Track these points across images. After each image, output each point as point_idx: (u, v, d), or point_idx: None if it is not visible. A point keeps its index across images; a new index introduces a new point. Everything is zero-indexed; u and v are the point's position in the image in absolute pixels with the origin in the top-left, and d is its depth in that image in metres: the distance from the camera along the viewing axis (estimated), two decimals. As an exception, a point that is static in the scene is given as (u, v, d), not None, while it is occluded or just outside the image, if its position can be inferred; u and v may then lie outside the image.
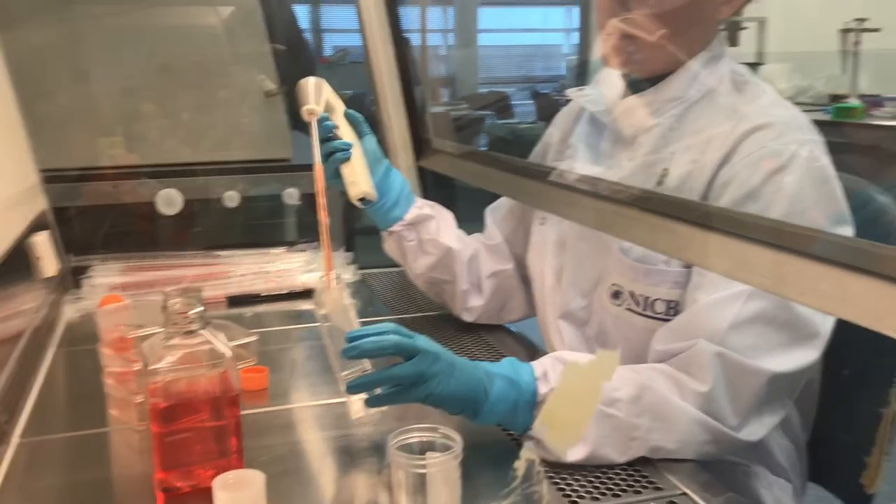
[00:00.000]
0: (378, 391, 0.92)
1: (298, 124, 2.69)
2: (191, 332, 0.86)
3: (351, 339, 0.91)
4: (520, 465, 0.48)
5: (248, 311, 1.55)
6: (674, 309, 1.06)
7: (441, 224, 1.38)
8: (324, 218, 1.08)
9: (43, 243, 1.50)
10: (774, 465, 1.15)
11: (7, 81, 1.60)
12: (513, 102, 6.97)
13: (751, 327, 0.96)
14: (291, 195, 2.18)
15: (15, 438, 1.03)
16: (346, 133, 1.29)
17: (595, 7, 1.13)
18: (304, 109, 1.19)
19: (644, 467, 0.93)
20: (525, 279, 1.38)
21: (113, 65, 2.19)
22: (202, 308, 0.87)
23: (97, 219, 2.00)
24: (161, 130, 2.17)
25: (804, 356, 0.98)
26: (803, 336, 0.98)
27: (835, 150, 1.04)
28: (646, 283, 1.08)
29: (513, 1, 8.35)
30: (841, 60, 3.85)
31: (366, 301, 1.62)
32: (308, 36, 7.19)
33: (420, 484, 0.71)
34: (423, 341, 0.93)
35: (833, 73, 3.94)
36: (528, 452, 0.49)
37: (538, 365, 0.98)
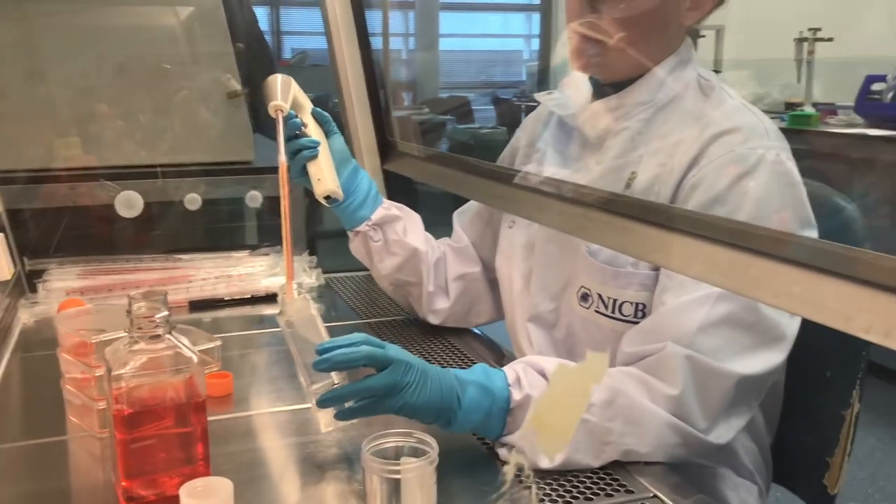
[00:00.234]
0: (349, 403, 0.90)
1: (261, 126, 2.67)
2: (156, 337, 0.84)
3: (321, 352, 0.90)
4: (508, 470, 0.48)
5: (209, 315, 1.53)
6: (641, 311, 1.07)
7: (408, 225, 1.38)
8: (286, 223, 1.10)
9: (-3, 246, 1.46)
10: (740, 467, 1.16)
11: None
12: (473, 107, 6.99)
13: (719, 330, 0.97)
14: (254, 198, 2.16)
15: (-31, 448, 1.00)
16: (313, 131, 1.28)
17: (564, 11, 1.13)
18: (272, 105, 1.19)
19: (615, 470, 0.93)
20: (493, 282, 1.37)
21: (69, 65, 2.15)
22: (167, 312, 0.85)
23: (53, 221, 1.95)
24: (120, 132, 2.13)
25: (771, 358, 0.99)
26: (770, 338, 0.99)
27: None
28: (614, 286, 1.08)
29: (473, 6, 8.37)
30: (796, 69, 3.93)
31: (330, 305, 1.60)
32: (267, 38, 7.12)
33: (395, 490, 0.70)
34: (394, 351, 0.92)
35: (788, 81, 4.01)
36: (516, 457, 0.48)
37: (510, 371, 0.97)
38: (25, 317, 1.47)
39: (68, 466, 0.99)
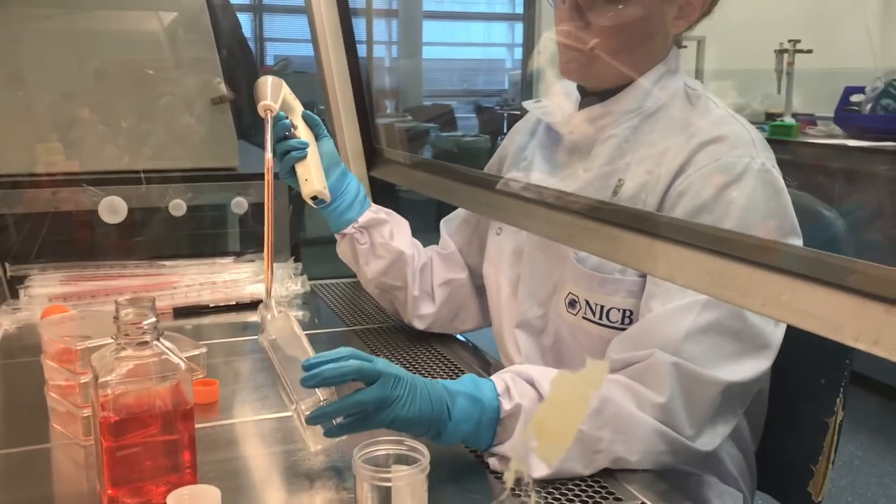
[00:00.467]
0: (338, 420, 0.89)
1: (245, 133, 2.66)
2: (143, 344, 0.84)
3: (308, 367, 0.89)
4: (509, 477, 0.48)
5: (193, 322, 1.52)
6: (629, 318, 1.07)
7: (395, 229, 1.39)
8: (269, 228, 1.12)
9: (-22, 251, 1.44)
10: (725, 474, 1.17)
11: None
12: (456, 116, 7.00)
13: (705, 337, 0.97)
14: (239, 204, 2.14)
15: (-50, 456, 0.99)
16: (303, 133, 1.30)
17: (553, 20, 1.14)
18: (261, 105, 1.20)
19: (603, 478, 0.93)
20: (479, 289, 1.37)
21: (52, 69, 2.13)
22: (155, 319, 0.84)
23: (35, 227, 1.93)
24: (103, 137, 2.11)
25: (756, 365, 1.00)
26: (756, 346, 1.00)
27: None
28: (601, 292, 1.09)
29: (457, 15, 8.40)
30: (776, 80, 3.97)
31: (315, 312, 1.60)
32: (251, 45, 7.10)
33: (385, 498, 0.70)
34: (383, 364, 0.91)
35: (768, 92, 4.06)
36: (516, 464, 0.48)
37: (498, 380, 0.97)
38: (7, 323, 1.46)
39: (52, 474, 0.98)
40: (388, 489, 0.70)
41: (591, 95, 1.17)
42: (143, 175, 2.03)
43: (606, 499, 0.89)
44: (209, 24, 2.29)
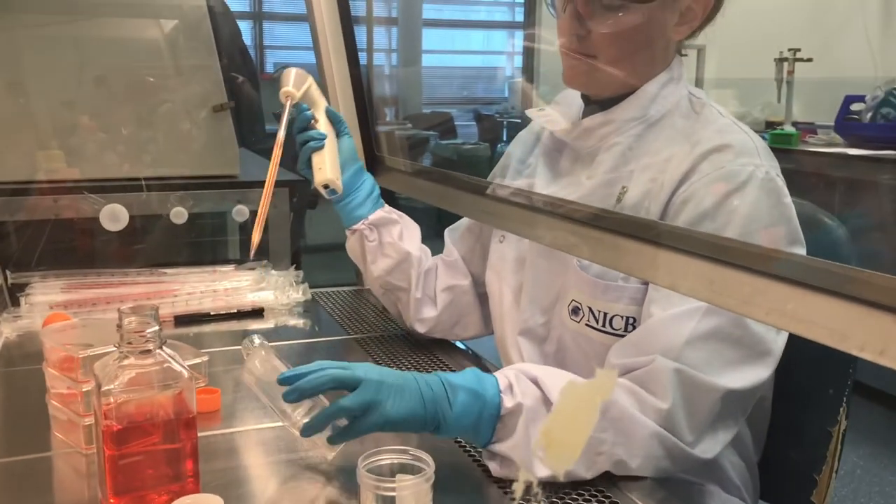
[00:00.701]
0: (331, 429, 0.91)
1: (246, 140, 2.66)
2: (146, 352, 0.83)
3: (284, 381, 0.92)
4: (518, 487, 0.48)
5: (194, 330, 1.51)
6: (632, 325, 1.07)
7: (405, 231, 1.40)
8: (265, 201, 1.17)
9: (-21, 259, 1.44)
10: (728, 483, 1.16)
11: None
12: (456, 123, 7.01)
13: (706, 344, 0.97)
14: (240, 212, 2.14)
15: (-50, 464, 0.98)
16: (324, 128, 1.34)
17: (556, 27, 1.14)
18: (282, 91, 1.26)
19: (607, 487, 0.93)
20: (482, 297, 1.37)
21: (53, 77, 2.13)
22: (158, 327, 0.84)
23: (36, 234, 1.93)
24: (104, 144, 2.11)
25: (757, 373, 1.00)
26: (756, 353, 0.99)
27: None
28: (604, 300, 1.09)
29: (456, 23, 8.41)
30: (776, 88, 3.98)
31: (316, 320, 1.59)
32: (251, 52, 7.11)
33: (390, 507, 0.70)
34: (362, 370, 0.92)
35: (768, 100, 4.06)
36: (525, 474, 0.48)
37: (502, 377, 0.97)
38: (8, 331, 1.45)
39: (53, 483, 0.97)
40: (392, 498, 0.69)
41: (594, 104, 1.17)
42: (144, 183, 2.04)
43: (609, 508, 0.89)
44: (210, 32, 2.30)
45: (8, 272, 1.62)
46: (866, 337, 0.64)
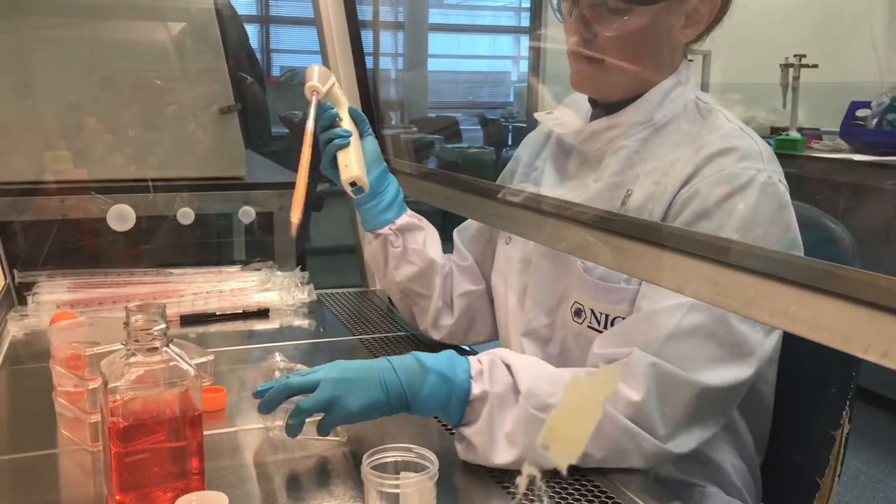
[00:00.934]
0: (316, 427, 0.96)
1: (252, 143, 2.67)
2: (153, 350, 0.84)
3: (256, 395, 0.98)
4: (521, 481, 0.48)
5: (199, 330, 1.52)
6: None
7: (428, 237, 1.39)
8: (301, 188, 1.13)
9: (-13, 257, 1.45)
10: (729, 486, 1.16)
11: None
12: (461, 127, 7.02)
13: (688, 339, 0.98)
14: (247, 213, 2.15)
15: (-43, 460, 0.99)
16: (348, 126, 1.32)
17: (563, 31, 1.14)
18: (308, 86, 1.24)
19: (609, 489, 0.93)
20: (493, 300, 1.37)
21: (61, 79, 2.14)
22: (165, 325, 0.85)
23: (43, 234, 1.94)
24: (112, 146, 2.13)
25: (737, 373, 0.99)
26: (739, 353, 0.99)
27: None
28: (606, 302, 1.09)
29: (462, 28, 8.43)
30: (782, 94, 3.98)
31: (321, 321, 1.60)
32: (257, 55, 7.13)
33: (394, 504, 0.70)
34: (324, 371, 0.97)
35: (773, 106, 4.06)
36: (528, 468, 0.49)
37: (475, 362, 0.98)
38: (15, 329, 1.46)
39: (59, 480, 0.98)
40: (397, 496, 0.70)
41: (601, 107, 1.17)
42: (150, 184, 2.05)
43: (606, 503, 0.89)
44: (218, 35, 2.31)
45: (15, 271, 1.63)
46: (870, 339, 0.64)
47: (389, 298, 1.61)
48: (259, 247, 2.28)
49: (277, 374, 1.08)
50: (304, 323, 1.58)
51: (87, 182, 2.00)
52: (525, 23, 8.36)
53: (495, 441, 0.94)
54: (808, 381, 1.20)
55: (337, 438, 1.01)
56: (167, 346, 0.85)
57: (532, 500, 0.89)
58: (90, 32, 2.23)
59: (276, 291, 1.66)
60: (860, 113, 3.67)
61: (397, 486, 0.69)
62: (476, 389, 0.96)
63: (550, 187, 1.22)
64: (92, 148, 2.11)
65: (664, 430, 0.96)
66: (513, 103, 7.91)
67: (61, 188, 2.00)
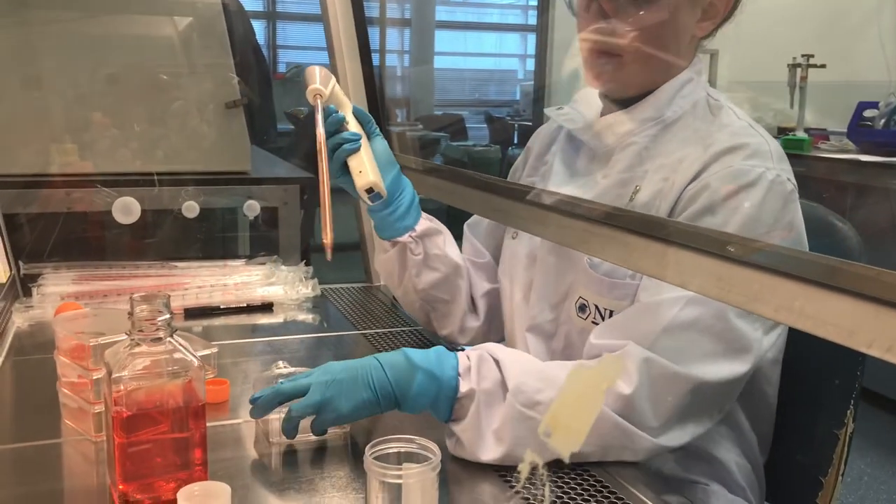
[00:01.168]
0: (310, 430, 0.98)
1: (257, 138, 2.67)
2: (157, 340, 0.84)
3: (253, 401, 0.99)
4: (523, 468, 0.48)
5: (203, 323, 1.52)
6: None
7: (447, 239, 1.34)
8: (325, 201, 1.07)
9: (-7, 249, 1.46)
10: (733, 484, 1.16)
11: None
12: (466, 125, 7.01)
13: (684, 332, 0.97)
14: (251, 207, 2.16)
15: (-39, 449, 0.99)
16: (354, 129, 1.24)
17: (578, 26, 1.13)
18: (310, 89, 1.16)
19: (611, 484, 0.93)
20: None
21: (68, 73, 2.15)
22: (169, 315, 0.85)
23: (48, 226, 1.95)
24: (118, 140, 2.13)
25: (732, 368, 0.99)
26: (735, 349, 0.99)
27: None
28: (610, 297, 1.09)
29: (469, 25, 8.43)
30: (789, 94, 3.97)
31: (325, 316, 1.60)
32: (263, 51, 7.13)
33: (396, 495, 0.70)
34: (315, 375, 0.98)
35: (781, 106, 4.05)
36: (531, 456, 0.49)
37: (463, 359, 0.99)
38: (19, 320, 1.47)
39: (62, 469, 0.98)
40: (399, 486, 0.70)
41: (613, 103, 1.17)
42: (156, 177, 2.05)
43: (608, 497, 0.89)
44: (225, 30, 2.32)
45: (21, 262, 1.64)
46: (874, 334, 0.64)
47: (394, 298, 1.59)
48: (263, 241, 2.29)
49: (281, 381, 1.08)
50: (308, 317, 1.59)
51: (92, 175, 2.01)
52: (532, 21, 8.35)
53: (483, 438, 0.95)
54: (812, 381, 1.19)
55: (339, 430, 1.02)
56: (171, 336, 0.85)
57: (534, 493, 0.89)
58: (97, 27, 2.23)
59: (281, 286, 1.66)
60: (868, 113, 3.66)
61: (399, 477, 0.70)
62: (463, 387, 0.96)
63: (559, 183, 1.21)
64: (98, 141, 2.11)
65: (656, 423, 0.96)
66: (519, 101, 7.90)
67: (67, 181, 2.00)
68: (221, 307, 1.57)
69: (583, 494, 0.90)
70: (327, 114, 1.20)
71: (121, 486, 0.84)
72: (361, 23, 1.86)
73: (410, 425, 1.00)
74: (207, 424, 0.88)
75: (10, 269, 1.58)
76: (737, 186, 1.01)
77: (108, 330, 1.02)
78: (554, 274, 1.19)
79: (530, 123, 6.45)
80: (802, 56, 3.89)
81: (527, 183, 1.33)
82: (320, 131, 1.11)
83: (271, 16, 7.60)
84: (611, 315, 1.09)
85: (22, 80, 2.12)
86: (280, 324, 1.55)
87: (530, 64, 8.16)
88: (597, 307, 1.10)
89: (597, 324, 1.10)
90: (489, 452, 0.94)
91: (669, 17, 1.07)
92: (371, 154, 1.22)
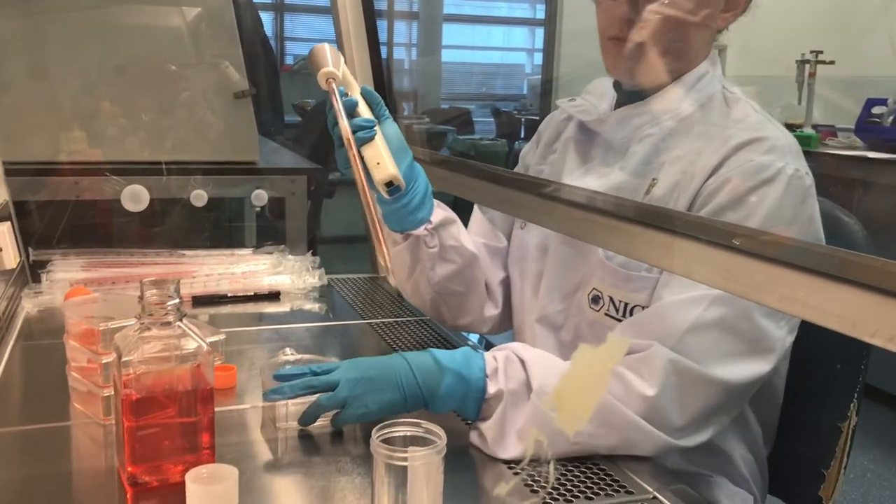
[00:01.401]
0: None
1: (265, 129, 2.68)
2: (167, 324, 0.85)
3: (279, 377, 1.00)
4: (528, 445, 0.48)
5: (211, 311, 1.53)
6: None
7: (460, 227, 1.28)
8: (373, 210, 1.01)
9: (3, 234, 1.47)
10: (737, 476, 1.17)
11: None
12: (473, 119, 7.01)
13: (708, 332, 0.97)
14: (259, 197, 2.17)
15: (-30, 430, 1.00)
16: (364, 113, 1.14)
17: (598, 17, 1.13)
18: (322, 73, 1.06)
19: (614, 471, 0.94)
20: None
21: (77, 62, 2.16)
22: (179, 300, 0.86)
23: (57, 214, 1.96)
24: (126, 129, 2.14)
25: (756, 368, 0.99)
26: (759, 349, 0.99)
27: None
28: (626, 290, 1.09)
29: (477, 19, 8.41)
30: (797, 91, 3.96)
31: (331, 306, 1.61)
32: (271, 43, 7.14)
33: (402, 477, 0.71)
34: (342, 370, 0.98)
35: (789, 102, 4.04)
36: (536, 433, 0.49)
37: (490, 360, 0.99)
38: (29, 306, 1.48)
39: (71, 451, 0.99)
40: (405, 469, 0.71)
41: (626, 94, 1.17)
42: (164, 166, 2.06)
43: (618, 491, 0.90)
44: (234, 20, 2.33)
45: (30, 249, 1.65)
46: (877, 324, 0.65)
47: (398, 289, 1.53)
48: (271, 232, 2.30)
49: (288, 367, 1.08)
50: (314, 306, 1.59)
51: (101, 163, 2.02)
52: (541, 15, 8.33)
53: (506, 437, 0.95)
54: (816, 374, 1.20)
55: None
56: (181, 321, 0.86)
57: (536, 479, 0.90)
58: (107, 16, 2.24)
59: (288, 275, 1.67)
60: (876, 110, 3.65)
61: (405, 459, 0.70)
62: (492, 388, 0.97)
63: (574, 175, 1.20)
64: (106, 130, 2.12)
65: (680, 423, 0.96)
66: (526, 96, 7.88)
67: (76, 169, 2.01)
68: (229, 295, 1.58)
69: (585, 482, 0.91)
70: (339, 94, 1.10)
71: (129, 469, 0.85)
72: (370, 14, 1.86)
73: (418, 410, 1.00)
74: (216, 409, 0.89)
75: (20, 256, 1.59)
76: (756, 182, 1.01)
77: (118, 315, 1.03)
78: (567, 265, 1.19)
79: (537, 118, 6.45)
80: (811, 52, 3.88)
81: (536, 170, 1.32)
82: (343, 123, 1.02)
83: (279, 7, 7.59)
84: (625, 307, 1.09)
85: (32, 69, 2.13)
86: (287, 312, 1.56)
87: (538, 58, 8.15)
88: (611, 299, 1.10)
89: (610, 316, 1.10)
90: (509, 451, 0.94)
91: (695, 6, 1.07)
92: (387, 145, 1.12)
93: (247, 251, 1.76)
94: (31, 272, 1.62)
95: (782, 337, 1.01)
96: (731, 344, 0.98)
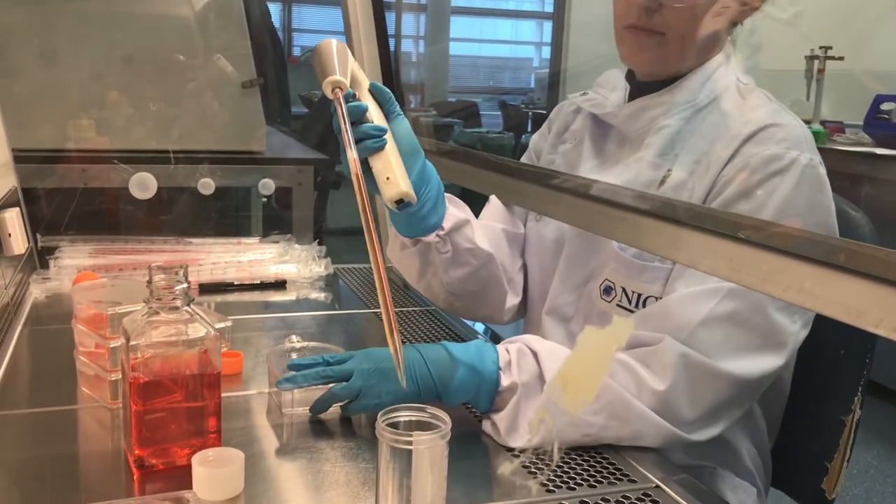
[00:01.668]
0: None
1: (273, 118, 2.69)
2: (175, 309, 0.86)
3: (293, 367, 1.00)
4: (533, 424, 0.49)
5: (217, 298, 1.54)
6: None
7: (475, 226, 1.20)
8: (375, 245, 0.90)
9: (13, 220, 1.47)
10: (741, 469, 1.17)
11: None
12: (480, 112, 7.01)
13: (721, 325, 0.97)
14: (266, 186, 2.18)
15: (-20, 413, 1.01)
16: (374, 115, 1.02)
17: (615, 5, 1.12)
18: (328, 81, 0.94)
19: (617, 460, 0.94)
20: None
21: (86, 50, 2.17)
22: (187, 285, 0.86)
23: (65, 201, 1.97)
24: (134, 118, 2.15)
25: (768, 363, 0.99)
26: (772, 343, 0.99)
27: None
28: (640, 281, 1.09)
29: (485, 11, 8.40)
30: (805, 86, 3.94)
31: (337, 295, 1.62)
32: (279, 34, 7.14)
33: (406, 462, 0.71)
34: (357, 360, 0.99)
35: (797, 98, 4.03)
36: (541, 412, 0.50)
37: (503, 352, 0.99)
38: (37, 292, 1.49)
39: (78, 434, 1.00)
40: (409, 453, 0.71)
41: (639, 86, 1.17)
42: (172, 155, 2.07)
43: (621, 479, 0.90)
44: (242, 10, 2.33)
45: (38, 235, 1.66)
46: (882, 314, 0.65)
47: (405, 283, 1.49)
48: (277, 221, 2.31)
49: (294, 355, 1.10)
50: (320, 295, 1.60)
51: (109, 151, 2.03)
52: (549, 8, 8.31)
53: (518, 428, 0.95)
54: (821, 368, 1.20)
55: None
56: (188, 306, 0.87)
57: (540, 467, 0.91)
58: (116, 5, 2.25)
59: (294, 264, 1.68)
60: (885, 106, 3.63)
61: (410, 444, 0.71)
62: (505, 381, 0.97)
63: (589, 168, 1.20)
64: (114, 119, 2.13)
65: (692, 417, 0.96)
66: (533, 89, 7.88)
67: (84, 156, 2.02)
68: (235, 283, 1.59)
69: (589, 470, 0.92)
70: (346, 98, 0.97)
71: (137, 451, 0.86)
72: (379, 6, 1.86)
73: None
74: (222, 394, 0.90)
75: (28, 242, 1.60)
76: (771, 172, 1.00)
77: (126, 300, 1.03)
78: (580, 256, 1.18)
79: (544, 112, 6.44)
80: (820, 48, 3.87)
81: (547, 159, 1.32)
82: (352, 154, 0.88)
83: (287, -1, 7.60)
84: (639, 298, 1.09)
85: (41, 58, 2.14)
86: (293, 301, 1.56)
87: (546, 52, 8.13)
88: (624, 290, 1.10)
89: (622, 307, 1.10)
90: (520, 440, 0.95)
91: None
92: (397, 152, 1.01)
93: (253, 240, 1.77)
94: (39, 258, 1.63)
95: (796, 331, 1.00)
96: (744, 338, 0.97)
